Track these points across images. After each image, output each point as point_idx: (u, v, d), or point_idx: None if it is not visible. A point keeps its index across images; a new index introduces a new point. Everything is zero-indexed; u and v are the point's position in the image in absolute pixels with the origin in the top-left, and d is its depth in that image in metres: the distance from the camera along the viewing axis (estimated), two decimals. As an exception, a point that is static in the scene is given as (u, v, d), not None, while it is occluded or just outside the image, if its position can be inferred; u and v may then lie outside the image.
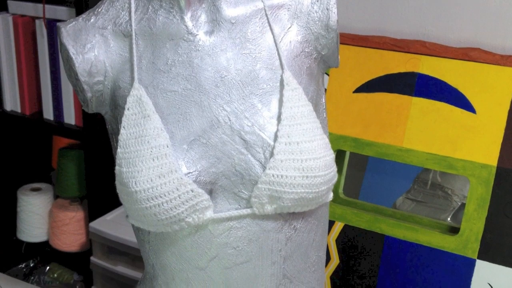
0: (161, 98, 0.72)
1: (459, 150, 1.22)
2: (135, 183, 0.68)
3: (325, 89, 0.82)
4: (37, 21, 1.55)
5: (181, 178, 0.68)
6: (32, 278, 1.76)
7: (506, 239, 1.17)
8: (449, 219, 1.50)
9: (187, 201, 0.68)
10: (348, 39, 1.33)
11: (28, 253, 1.85)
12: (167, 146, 0.69)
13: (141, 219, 0.70)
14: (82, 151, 1.67)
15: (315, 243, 0.79)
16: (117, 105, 0.75)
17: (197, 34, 0.72)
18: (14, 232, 1.82)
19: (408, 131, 1.27)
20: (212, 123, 0.71)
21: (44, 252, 1.81)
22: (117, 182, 0.72)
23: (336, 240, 1.36)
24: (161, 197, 0.67)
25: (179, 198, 0.67)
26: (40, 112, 1.65)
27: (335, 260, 1.37)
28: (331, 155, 0.72)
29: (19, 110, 1.67)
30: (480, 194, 1.20)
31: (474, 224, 1.20)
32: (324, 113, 0.79)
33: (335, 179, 0.73)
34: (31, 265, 1.84)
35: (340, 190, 1.41)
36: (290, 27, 0.74)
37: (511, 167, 1.17)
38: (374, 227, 1.31)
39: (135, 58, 0.73)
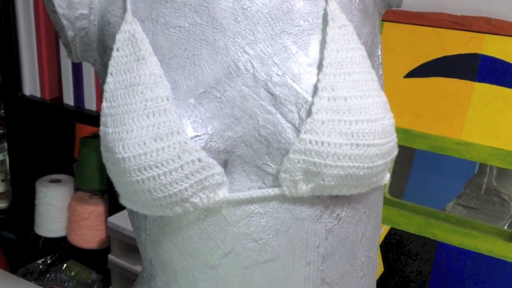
0: (161, 35, 0.56)
1: (529, 144, 1.08)
2: (123, 147, 0.53)
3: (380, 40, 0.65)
4: None
5: (185, 143, 0.52)
6: (48, 276, 1.68)
7: None
8: (505, 227, 1.38)
9: (192, 174, 0.52)
10: (399, 16, 1.20)
11: (46, 248, 1.78)
12: (167, 99, 0.53)
13: (133, 197, 0.55)
14: (104, 140, 1.57)
15: (365, 240, 0.61)
16: (106, 47, 0.60)
17: None
18: (32, 226, 1.74)
19: (468, 121, 1.14)
20: (229, 70, 0.55)
21: (62, 248, 1.73)
22: (102, 148, 0.57)
23: (381, 245, 1.23)
24: (157, 167, 0.52)
25: (182, 169, 0.52)
26: (60, 97, 1.57)
27: (379, 267, 1.23)
28: (390, 119, 0.55)
29: (38, 95, 1.59)
30: (553, 196, 1.05)
31: (545, 230, 1.05)
32: (380, 69, 0.63)
33: (395, 152, 0.56)
34: (49, 261, 1.76)
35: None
36: None
37: None
38: (426, 231, 1.17)
39: None
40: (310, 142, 0.52)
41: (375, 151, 0.53)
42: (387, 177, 0.58)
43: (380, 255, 1.24)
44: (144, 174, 0.52)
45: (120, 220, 1.43)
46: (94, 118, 1.50)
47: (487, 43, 1.12)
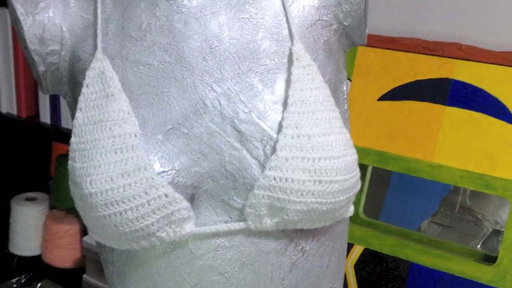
0: (131, 72, 0.57)
1: (498, 167, 1.10)
2: (90, 182, 0.53)
3: (346, 80, 0.67)
4: (36, 17, 1.45)
5: (152, 178, 0.53)
6: (23, 295, 1.66)
7: (552, 271, 1.04)
8: (479, 246, 1.40)
9: (159, 209, 0.53)
10: (374, 41, 1.23)
11: (20, 267, 1.76)
12: (135, 135, 0.54)
13: (100, 231, 0.55)
14: (80, 159, 1.57)
15: (330, 271, 0.63)
16: (76, 82, 0.61)
17: None
18: (6, 244, 1.72)
19: (439, 144, 1.16)
20: (196, 107, 0.56)
21: (36, 267, 1.71)
22: (70, 182, 0.57)
23: (355, 266, 1.24)
24: (123, 202, 0.52)
25: (148, 204, 0.53)
26: (36, 115, 1.57)
27: (353, 287, 1.24)
28: (353, 155, 0.57)
29: (15, 113, 1.58)
30: (522, 219, 1.07)
31: (514, 252, 1.07)
32: (345, 105, 0.65)
33: (358, 187, 0.58)
34: (23, 280, 1.75)
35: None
36: None
37: (559, 188, 1.04)
38: (399, 252, 1.19)
39: (99, 21, 0.59)
40: (275, 178, 0.53)
41: (338, 187, 0.54)
42: (351, 209, 0.59)
43: (354, 275, 1.25)
44: (110, 210, 0.53)
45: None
46: (70, 136, 1.50)
47: (458, 68, 1.14)
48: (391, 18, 1.29)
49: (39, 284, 1.69)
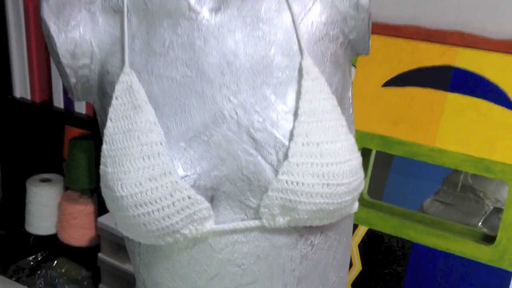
0: (155, 85, 0.62)
1: (498, 152, 1.13)
2: (122, 186, 0.58)
3: (352, 82, 0.70)
4: (48, 4, 1.47)
5: (176, 182, 0.58)
6: (39, 272, 1.71)
7: (547, 251, 1.07)
8: (480, 224, 1.43)
9: (182, 210, 0.58)
10: (378, 28, 1.24)
11: (36, 246, 1.81)
12: (161, 143, 0.59)
13: (129, 228, 0.61)
14: (92, 142, 1.61)
15: (336, 262, 0.68)
16: (105, 93, 0.65)
17: (200, 11, 0.62)
18: (22, 224, 1.77)
19: (441, 129, 1.18)
20: (215, 117, 0.61)
21: (52, 245, 1.76)
22: (102, 185, 0.62)
23: (359, 245, 1.28)
24: (151, 204, 0.57)
25: (173, 205, 0.58)
26: (50, 100, 1.60)
27: (357, 267, 1.29)
28: (357, 159, 0.61)
29: (29, 98, 1.61)
30: (520, 201, 1.10)
31: (512, 233, 1.10)
32: (351, 109, 0.69)
33: (362, 187, 0.62)
34: (39, 258, 1.79)
35: (365, 191, 1.33)
36: (312, 5, 0.64)
37: (556, 172, 1.07)
38: (401, 233, 1.23)
39: (126, 38, 0.63)
40: (287, 182, 0.58)
41: (344, 189, 0.59)
42: (355, 206, 0.64)
43: (358, 255, 1.29)
44: (140, 210, 0.58)
45: (110, 220, 1.47)
46: (83, 121, 1.53)
47: (460, 56, 1.16)
48: (395, 7, 1.29)
49: (55, 262, 1.73)
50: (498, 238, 1.12)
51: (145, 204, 0.57)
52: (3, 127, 1.70)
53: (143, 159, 0.58)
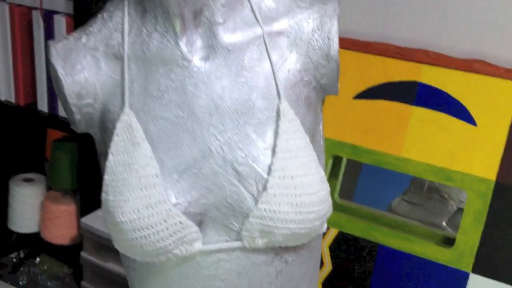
0: (152, 124, 0.69)
1: (458, 162, 1.21)
2: (122, 213, 0.66)
3: (322, 117, 0.79)
4: (34, 12, 1.52)
5: (170, 210, 0.66)
6: (22, 269, 1.76)
7: (501, 254, 1.16)
8: (444, 223, 1.50)
9: (175, 233, 0.66)
10: (350, 44, 1.31)
11: (19, 243, 1.84)
12: (156, 176, 0.66)
13: (127, 248, 0.69)
14: (75, 144, 1.65)
15: (307, 276, 0.77)
16: (106, 128, 0.72)
17: (191, 60, 0.70)
18: (5, 222, 1.81)
19: (406, 140, 1.26)
20: (204, 152, 0.68)
21: (34, 243, 1.80)
22: (103, 210, 0.70)
23: (330, 247, 1.36)
24: (148, 228, 0.65)
25: (167, 230, 0.66)
26: (34, 103, 1.64)
27: (328, 266, 1.37)
28: (326, 189, 0.70)
29: (13, 101, 1.65)
30: (477, 208, 1.19)
31: (469, 237, 1.19)
32: (321, 141, 0.77)
33: (330, 212, 0.71)
34: (22, 255, 1.83)
35: (336, 195, 1.41)
36: (289, 55, 0.72)
37: (509, 182, 1.16)
38: (369, 235, 1.30)
39: (126, 82, 0.70)
40: (265, 210, 0.66)
41: (314, 216, 0.68)
42: (324, 227, 0.72)
43: (329, 255, 1.37)
44: (137, 234, 0.66)
45: (92, 221, 1.53)
46: (66, 124, 1.57)
47: (425, 72, 1.23)
48: (366, 24, 1.36)
49: (37, 259, 1.77)
50: (456, 241, 1.20)
51: (142, 229, 0.65)
52: (-13, 128, 1.74)
53: (141, 189, 0.66)
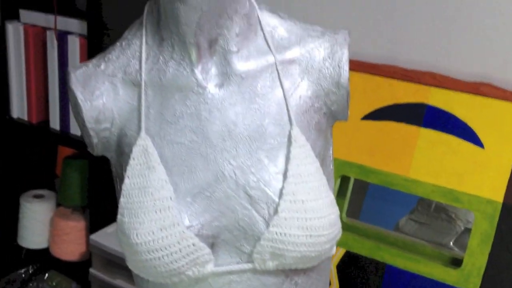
0: (167, 149, 0.71)
1: (465, 184, 1.22)
2: (137, 235, 0.68)
3: (332, 142, 0.81)
4: (48, 32, 1.55)
5: (183, 232, 0.67)
6: (31, 284, 1.77)
7: (508, 275, 1.17)
8: (451, 243, 1.51)
9: (188, 255, 0.68)
10: (358, 66, 1.33)
11: (28, 259, 1.86)
12: (171, 199, 0.68)
13: (141, 269, 0.70)
14: (86, 161, 1.67)
15: None
16: (122, 151, 0.75)
17: (206, 87, 0.72)
18: (15, 237, 1.82)
19: (414, 161, 1.28)
20: (217, 176, 0.70)
21: (44, 259, 1.81)
22: (118, 231, 0.71)
23: (338, 266, 1.37)
24: (162, 250, 0.67)
25: (180, 251, 0.67)
26: (46, 121, 1.66)
27: (335, 286, 1.37)
28: (335, 213, 0.71)
29: (25, 118, 1.67)
30: (484, 229, 1.20)
31: (476, 258, 1.20)
32: (331, 165, 0.79)
33: (339, 235, 0.73)
34: (31, 271, 1.85)
35: (344, 215, 1.42)
36: (300, 82, 0.74)
37: (516, 204, 1.17)
38: (376, 255, 1.31)
39: (143, 108, 0.73)
40: (276, 233, 0.68)
41: (324, 239, 0.69)
42: (333, 250, 0.74)
43: (336, 275, 1.38)
44: (151, 255, 0.67)
45: (101, 237, 1.54)
46: (78, 142, 1.60)
47: (433, 95, 1.25)
48: (374, 47, 1.38)
49: (46, 275, 1.79)
50: (464, 262, 1.21)
51: (156, 250, 0.67)
52: (-1, 145, 1.76)
53: (156, 212, 0.68)
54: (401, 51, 1.34)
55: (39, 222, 1.76)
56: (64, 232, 1.70)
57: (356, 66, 1.33)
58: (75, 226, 1.69)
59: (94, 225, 1.63)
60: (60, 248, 1.71)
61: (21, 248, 1.80)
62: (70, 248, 1.71)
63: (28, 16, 1.59)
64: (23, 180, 1.85)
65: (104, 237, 1.55)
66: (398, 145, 1.29)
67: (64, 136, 1.61)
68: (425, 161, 1.26)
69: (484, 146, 1.20)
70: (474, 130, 1.22)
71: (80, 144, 1.60)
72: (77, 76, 0.75)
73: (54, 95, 1.60)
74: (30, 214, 1.76)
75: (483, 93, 1.20)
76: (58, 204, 1.79)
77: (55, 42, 1.53)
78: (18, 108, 1.68)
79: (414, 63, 1.33)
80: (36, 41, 1.60)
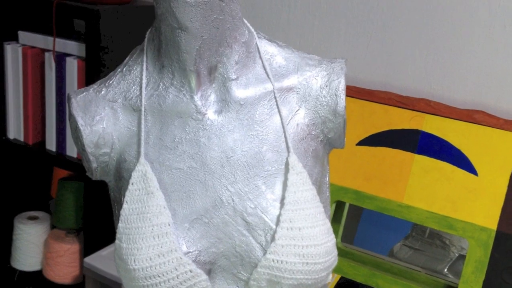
0: (166, 174, 0.72)
1: (459, 211, 1.23)
2: (134, 261, 0.68)
3: (328, 168, 0.82)
4: (46, 54, 1.56)
5: (181, 258, 0.67)
6: (23, 308, 1.75)
7: (502, 304, 1.17)
8: (446, 270, 1.50)
9: (185, 281, 0.68)
10: (354, 92, 1.35)
11: (21, 281, 1.84)
12: (169, 225, 0.69)
13: None
14: (82, 183, 1.67)
15: None
16: (121, 176, 0.75)
17: (205, 113, 0.73)
18: (8, 259, 1.81)
19: (409, 187, 1.28)
20: (215, 202, 0.71)
21: (37, 282, 1.80)
22: (116, 256, 0.71)
23: (332, 292, 1.36)
24: (159, 276, 0.67)
25: (177, 278, 0.67)
26: (42, 142, 1.66)
27: (330, 312, 1.37)
28: (332, 241, 0.71)
29: (22, 139, 1.67)
30: (478, 257, 1.20)
31: (471, 286, 1.20)
32: (328, 192, 0.80)
33: (335, 263, 0.73)
34: (23, 294, 1.83)
35: (338, 240, 1.42)
36: (298, 110, 0.75)
37: (510, 231, 1.17)
38: (371, 281, 1.31)
39: (142, 133, 0.73)
40: (273, 260, 0.68)
41: (320, 267, 0.69)
42: (329, 278, 0.74)
43: (331, 301, 1.37)
44: (149, 281, 0.67)
45: (95, 261, 1.53)
46: (74, 164, 1.60)
47: (427, 121, 1.26)
48: (370, 74, 1.39)
49: (38, 298, 1.77)
50: (458, 290, 1.22)
51: (154, 277, 0.67)
52: (-5, 166, 1.76)
53: (153, 238, 0.68)
54: (397, 78, 1.36)
55: (33, 244, 1.75)
56: (58, 255, 1.69)
57: (352, 92, 1.35)
58: (69, 249, 1.68)
59: (88, 248, 1.62)
60: (54, 270, 1.70)
61: (14, 270, 1.79)
62: (63, 271, 1.70)
63: (27, 37, 1.60)
64: (17, 201, 1.84)
65: (98, 260, 1.54)
66: (392, 171, 1.30)
67: (60, 157, 1.61)
68: (419, 188, 1.27)
69: (478, 174, 1.21)
70: (468, 157, 1.23)
71: (76, 166, 1.60)
72: (78, 101, 0.75)
73: (51, 116, 1.60)
74: (24, 236, 1.75)
75: (477, 121, 1.21)
76: (53, 226, 1.78)
77: (53, 64, 1.54)
78: (15, 129, 1.68)
79: (409, 90, 1.34)
80: (34, 62, 1.61)
